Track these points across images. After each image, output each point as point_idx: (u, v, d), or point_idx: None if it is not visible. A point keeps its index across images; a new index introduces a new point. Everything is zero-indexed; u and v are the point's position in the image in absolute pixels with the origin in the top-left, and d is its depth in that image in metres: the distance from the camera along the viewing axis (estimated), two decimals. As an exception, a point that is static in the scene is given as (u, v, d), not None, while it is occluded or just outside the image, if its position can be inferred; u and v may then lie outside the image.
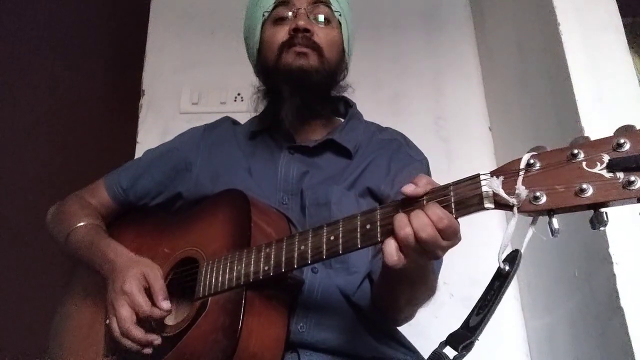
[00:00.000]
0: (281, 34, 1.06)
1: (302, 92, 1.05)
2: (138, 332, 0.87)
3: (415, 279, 0.85)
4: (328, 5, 1.09)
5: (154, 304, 0.88)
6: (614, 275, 1.12)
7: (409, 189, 0.69)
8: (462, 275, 1.58)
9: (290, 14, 1.07)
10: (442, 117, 1.96)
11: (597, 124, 1.24)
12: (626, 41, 1.35)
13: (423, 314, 0.98)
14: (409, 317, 0.99)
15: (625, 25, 1.36)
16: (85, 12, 2.55)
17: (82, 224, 1.08)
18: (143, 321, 0.89)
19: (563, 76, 1.33)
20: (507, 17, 1.82)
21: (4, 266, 2.06)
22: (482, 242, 1.50)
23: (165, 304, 0.89)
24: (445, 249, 0.69)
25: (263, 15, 1.09)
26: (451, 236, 0.67)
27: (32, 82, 2.44)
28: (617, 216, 1.21)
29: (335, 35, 1.09)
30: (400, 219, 0.68)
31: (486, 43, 2.01)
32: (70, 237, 1.07)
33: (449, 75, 2.04)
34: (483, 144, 1.93)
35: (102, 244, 1.02)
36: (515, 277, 0.63)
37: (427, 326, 1.12)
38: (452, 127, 1.95)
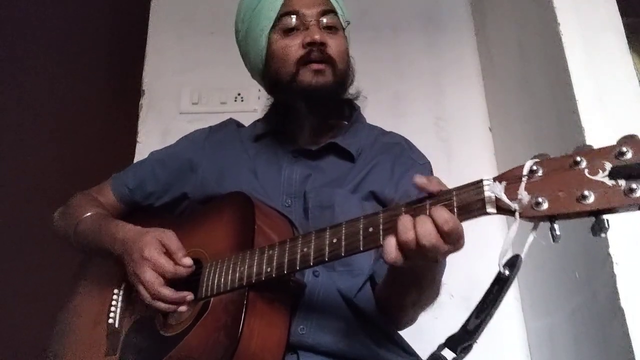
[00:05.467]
0: (294, 47, 1.03)
1: (319, 108, 1.06)
2: (169, 292, 0.88)
3: (422, 281, 0.85)
4: (335, 13, 1.08)
5: (175, 263, 0.90)
6: (615, 275, 1.12)
7: (421, 179, 0.70)
8: (461, 276, 1.57)
9: (296, 21, 1.04)
10: (442, 117, 1.96)
11: (597, 124, 1.24)
12: (626, 41, 1.35)
13: (423, 315, 0.98)
14: (412, 320, 0.98)
15: (625, 25, 1.36)
16: (86, 12, 2.55)
17: (89, 214, 1.09)
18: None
19: (563, 76, 1.33)
20: (507, 17, 1.81)
21: (4, 266, 2.06)
22: (482, 242, 1.49)
23: (187, 260, 0.90)
24: (446, 254, 0.69)
25: (274, 26, 1.06)
26: (454, 240, 0.67)
27: (32, 82, 2.43)
28: (617, 217, 1.21)
29: (344, 44, 1.08)
30: (405, 223, 0.67)
31: (486, 43, 2.01)
32: (78, 227, 1.08)
33: (449, 76, 2.03)
34: (483, 144, 1.93)
35: (110, 225, 1.03)
36: (516, 278, 0.63)
37: (427, 327, 1.12)
38: (452, 128, 1.95)
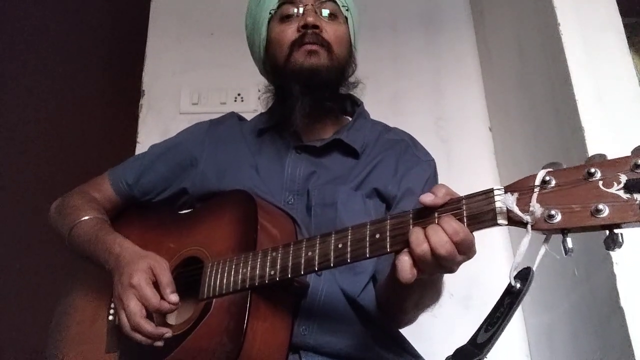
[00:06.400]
0: (290, 32, 1.05)
1: (312, 90, 1.04)
2: (149, 326, 0.85)
3: (426, 282, 0.83)
4: (334, 1, 1.09)
5: (162, 297, 0.87)
6: (614, 274, 1.12)
7: (428, 198, 0.67)
8: (461, 275, 1.57)
9: (296, 11, 1.06)
10: (442, 117, 1.97)
11: (597, 124, 1.24)
12: (626, 41, 1.35)
13: (423, 314, 0.98)
14: (412, 319, 0.98)
15: (625, 25, 1.37)
16: (86, 13, 2.55)
17: (86, 217, 1.07)
18: (149, 316, 0.88)
19: (563, 76, 1.33)
20: (507, 17, 1.82)
21: (4, 265, 2.06)
22: (481, 241, 1.50)
23: (174, 297, 0.87)
24: (460, 264, 0.68)
25: (270, 13, 1.08)
26: (466, 250, 0.66)
27: (32, 82, 2.44)
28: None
29: (342, 30, 1.09)
30: (417, 235, 0.66)
31: (486, 43, 2.01)
32: (74, 230, 1.06)
33: (448, 76, 2.04)
34: (483, 144, 1.93)
35: (108, 238, 1.00)
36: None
37: (427, 326, 1.12)
38: (452, 128, 1.95)
